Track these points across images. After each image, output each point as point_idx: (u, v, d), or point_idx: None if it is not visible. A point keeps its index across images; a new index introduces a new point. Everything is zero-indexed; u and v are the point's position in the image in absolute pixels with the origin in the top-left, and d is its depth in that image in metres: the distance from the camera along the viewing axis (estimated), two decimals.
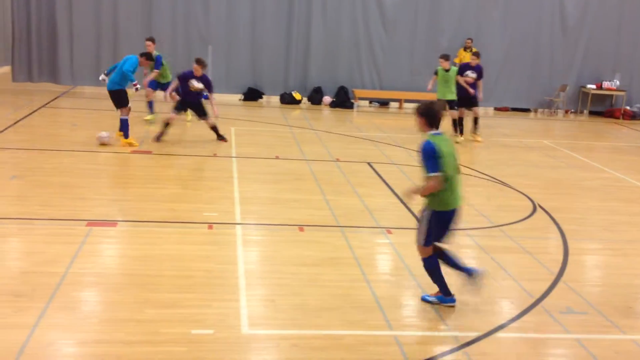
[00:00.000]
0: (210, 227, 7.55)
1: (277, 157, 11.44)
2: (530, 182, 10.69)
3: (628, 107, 19.00)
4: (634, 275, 7.03)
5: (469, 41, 18.05)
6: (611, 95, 19.20)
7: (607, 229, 8.65)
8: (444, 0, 18.31)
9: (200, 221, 7.73)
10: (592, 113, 19.23)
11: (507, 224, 8.38)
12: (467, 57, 18.13)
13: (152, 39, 13.82)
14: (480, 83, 13.87)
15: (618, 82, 18.89)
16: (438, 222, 5.79)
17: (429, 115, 5.84)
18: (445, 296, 5.92)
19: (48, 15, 17.23)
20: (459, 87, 13.71)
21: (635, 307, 6.25)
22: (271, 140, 13.03)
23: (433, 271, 5.89)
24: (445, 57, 13.72)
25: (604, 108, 19.29)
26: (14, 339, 4.85)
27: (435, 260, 5.89)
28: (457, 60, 18.25)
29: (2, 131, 11.79)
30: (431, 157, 5.66)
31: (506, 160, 12.51)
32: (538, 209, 9.15)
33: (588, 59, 18.98)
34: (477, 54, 14.11)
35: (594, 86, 18.92)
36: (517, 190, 10.10)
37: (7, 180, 8.84)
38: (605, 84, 18.86)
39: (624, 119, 18.71)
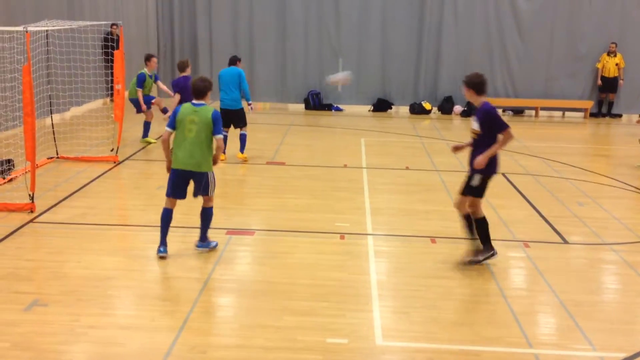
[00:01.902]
0: (342, 237, 7.65)
1: (407, 168, 11.40)
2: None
3: None
4: None
5: (613, 45, 17.14)
6: None
7: None
8: (583, 4, 17.50)
9: (333, 231, 7.85)
10: None
11: None
12: (610, 63, 17.27)
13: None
14: None
15: None
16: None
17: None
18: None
19: (190, 33, 18.32)
20: None
21: None
22: (401, 150, 13.00)
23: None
24: None
25: None
26: (162, 341, 5.15)
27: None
28: (599, 66, 17.41)
29: (151, 146, 12.59)
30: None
31: None
32: None
33: None
34: None
35: None
36: None
37: (154, 190, 9.43)
38: None
39: None
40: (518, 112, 18.42)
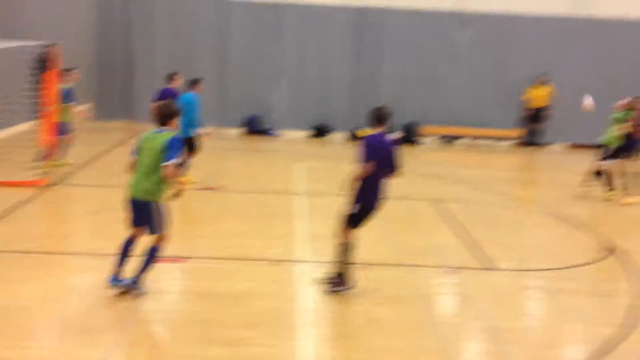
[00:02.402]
0: (276, 264, 7.65)
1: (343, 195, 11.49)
2: (604, 222, 10.39)
3: None
4: None
5: (542, 76, 17.88)
6: None
7: None
8: (516, 35, 18.17)
9: (267, 258, 7.84)
10: None
11: (577, 266, 8.13)
12: (539, 93, 17.92)
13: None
14: None
15: None
16: None
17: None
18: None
19: (126, 52, 18.13)
20: None
21: None
22: (339, 176, 13.10)
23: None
24: None
25: None
26: None
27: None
28: (528, 96, 18.04)
29: (80, 169, 12.33)
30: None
31: (579, 198, 12.16)
32: (612, 250, 8.84)
33: None
34: None
35: None
36: (590, 230, 9.79)
37: (83, 215, 9.22)
38: None
39: None
40: (451, 139, 18.88)
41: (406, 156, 16.14)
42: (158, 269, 7.19)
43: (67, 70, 12.21)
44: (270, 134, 18.28)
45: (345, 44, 18.28)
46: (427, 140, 18.39)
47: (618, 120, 11.70)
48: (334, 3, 18.11)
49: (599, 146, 12.04)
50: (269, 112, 18.36)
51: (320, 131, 18.49)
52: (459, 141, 18.72)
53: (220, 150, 14.48)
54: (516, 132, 18.55)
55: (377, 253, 8.20)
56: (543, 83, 18.02)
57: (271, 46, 18.21)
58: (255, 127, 18.26)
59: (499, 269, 7.93)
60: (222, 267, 7.50)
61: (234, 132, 18.29)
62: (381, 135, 6.73)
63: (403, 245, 8.64)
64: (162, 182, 6.28)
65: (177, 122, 6.50)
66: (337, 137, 18.48)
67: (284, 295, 6.75)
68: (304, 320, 6.19)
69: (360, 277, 7.14)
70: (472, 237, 9.13)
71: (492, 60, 18.33)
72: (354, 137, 18.06)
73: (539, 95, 18.07)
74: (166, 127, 6.39)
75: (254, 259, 7.80)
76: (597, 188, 11.79)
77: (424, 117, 18.46)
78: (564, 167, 15.88)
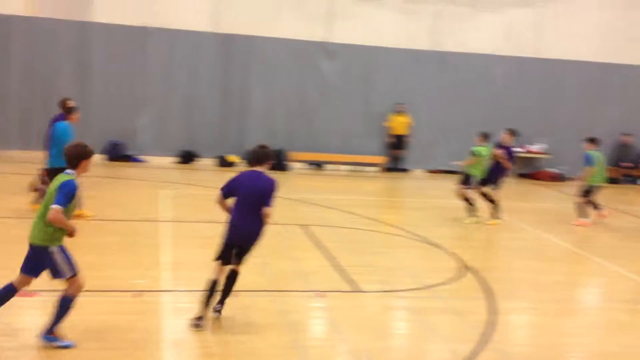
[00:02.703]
0: (138, 295, 7.35)
1: (212, 221, 11.33)
2: (460, 243, 10.91)
3: (552, 169, 19.78)
4: (560, 335, 7.19)
5: (401, 106, 18.67)
6: (537, 158, 19.97)
7: (535, 288, 8.86)
8: (379, 66, 18.90)
9: (128, 289, 7.52)
10: (521, 175, 19.90)
11: (437, 285, 8.47)
12: (399, 121, 18.70)
13: None
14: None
15: (543, 146, 19.70)
16: None
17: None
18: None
19: None
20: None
21: None
22: (206, 203, 12.90)
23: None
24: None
25: (530, 170, 20.03)
26: None
27: None
28: (389, 124, 18.77)
29: None
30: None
31: (438, 221, 12.75)
32: (467, 269, 9.31)
33: (515, 124, 19.73)
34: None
35: (521, 149, 19.65)
36: (447, 251, 10.27)
37: None
38: (531, 147, 19.65)
39: (549, 180, 19.46)
40: (318, 165, 19.24)
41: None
42: (11, 304, 6.71)
43: None
44: (135, 160, 17.74)
45: (213, 70, 18.18)
46: (296, 166, 18.61)
47: (479, 153, 12.41)
48: (201, 29, 17.99)
49: (459, 173, 12.75)
50: (133, 138, 17.82)
51: (187, 157, 18.18)
52: (327, 167, 19.11)
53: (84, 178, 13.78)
54: (381, 159, 19.23)
55: (246, 280, 8.09)
56: (400, 112, 18.84)
57: (136, 70, 17.74)
58: (117, 153, 17.64)
59: (364, 291, 8.09)
60: (80, 299, 7.08)
61: (96, 158, 17.53)
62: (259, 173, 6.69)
63: (272, 271, 8.62)
64: (49, 225, 5.73)
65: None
66: (205, 163, 18.26)
67: (145, 328, 6.48)
68: (163, 354, 5.96)
69: (229, 305, 7.03)
70: (339, 261, 9.27)
71: (358, 89, 18.94)
72: (222, 163, 17.93)
73: (399, 123, 18.87)
74: (72, 170, 5.86)
75: (115, 290, 7.46)
76: (463, 212, 12.45)
77: (292, 143, 18.70)
78: (425, 192, 16.64)
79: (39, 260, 5.84)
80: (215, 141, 18.34)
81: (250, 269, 8.57)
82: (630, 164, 19.92)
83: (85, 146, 5.92)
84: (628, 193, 18.42)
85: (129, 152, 17.83)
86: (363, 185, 17.46)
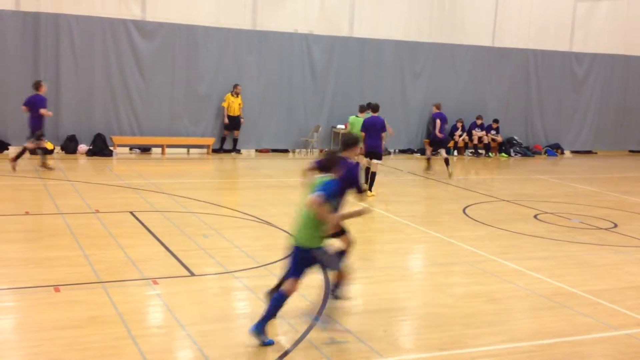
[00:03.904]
0: None
1: (27, 213, 10.55)
2: (292, 220, 11.08)
3: None
4: (387, 300, 7.59)
5: (238, 87, 18.54)
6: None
7: (362, 257, 9.26)
8: (199, 48, 18.56)
9: None
10: None
11: (272, 263, 8.57)
12: (235, 102, 18.57)
13: None
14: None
15: None
16: None
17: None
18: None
19: None
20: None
21: (390, 331, 6.73)
22: (19, 194, 12.01)
23: None
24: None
25: None
26: None
27: None
28: (225, 105, 18.54)
29: None
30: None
31: (270, 200, 12.89)
32: None
33: (336, 101, 20.48)
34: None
35: (342, 126, 20.41)
36: (281, 229, 10.41)
37: None
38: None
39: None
40: (145, 150, 18.59)
41: (98, 168, 15.59)
42: None
43: None
44: None
45: (20, 52, 16.80)
46: (119, 151, 17.83)
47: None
48: (2, 6, 16.52)
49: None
50: None
51: None
52: (153, 151, 18.53)
53: None
54: (209, 140, 18.99)
55: (75, 273, 7.68)
56: (238, 94, 18.70)
57: None
58: None
59: (200, 275, 7.98)
60: None
61: None
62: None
63: (101, 262, 8.20)
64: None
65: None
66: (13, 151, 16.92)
67: None
68: None
69: (59, 299, 6.62)
70: (172, 246, 9.06)
71: (179, 70, 18.47)
72: (34, 151, 16.69)
73: (235, 104, 18.72)
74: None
75: None
76: (294, 190, 12.62)
77: (113, 127, 17.88)
78: (255, 172, 16.74)
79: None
80: (26, 127, 16.98)
81: (76, 261, 8.17)
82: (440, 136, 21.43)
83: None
84: (443, 163, 19.86)
85: None
86: (191, 169, 17.17)
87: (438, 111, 17.61)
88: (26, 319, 6.37)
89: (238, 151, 19.26)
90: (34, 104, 14.34)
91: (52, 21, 16.95)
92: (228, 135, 19.09)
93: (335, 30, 20.26)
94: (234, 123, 18.91)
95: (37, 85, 14.59)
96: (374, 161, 13.67)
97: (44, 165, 14.52)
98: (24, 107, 14.51)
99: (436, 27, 21.53)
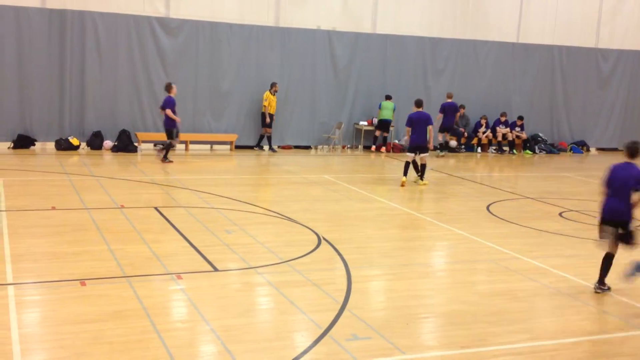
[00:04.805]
0: None
1: (53, 208, 10.70)
2: (314, 216, 11.12)
3: (397, 141, 20.71)
4: (409, 297, 7.57)
5: (276, 85, 18.60)
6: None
7: (386, 255, 9.27)
8: (222, 45, 18.65)
9: None
10: (366, 147, 20.68)
11: (294, 259, 8.60)
12: (274, 101, 18.63)
13: None
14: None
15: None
16: None
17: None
18: None
19: None
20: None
21: (412, 326, 6.72)
22: (46, 190, 12.18)
23: None
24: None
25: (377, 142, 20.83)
26: None
27: None
28: (265, 104, 18.59)
29: None
30: None
31: (292, 196, 12.93)
32: (323, 241, 9.53)
33: (358, 98, 20.45)
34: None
35: (365, 123, 20.39)
36: (303, 225, 10.44)
37: None
38: (375, 120, 20.40)
39: (393, 152, 20.35)
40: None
41: (123, 164, 15.75)
42: None
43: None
44: None
45: (46, 48, 17.01)
46: (144, 147, 18.00)
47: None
48: (28, 4, 16.75)
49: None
50: None
51: (23, 142, 16.95)
52: (179, 147, 18.66)
53: None
54: (231, 137, 19.08)
55: (100, 267, 7.78)
56: (276, 92, 18.73)
57: None
58: None
59: (223, 270, 8.04)
60: None
61: None
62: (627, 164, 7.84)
63: (126, 257, 8.29)
64: None
65: None
66: (43, 147, 17.16)
67: None
68: (12, 349, 5.57)
69: (85, 293, 6.70)
70: (195, 241, 9.13)
71: (203, 67, 18.58)
72: (62, 147, 16.92)
73: (274, 102, 18.77)
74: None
75: None
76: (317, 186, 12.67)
77: (138, 124, 18.05)
78: (278, 168, 16.79)
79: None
80: (53, 124, 17.25)
81: (101, 256, 8.27)
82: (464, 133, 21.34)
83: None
84: (467, 161, 19.74)
85: None
86: (215, 165, 17.26)
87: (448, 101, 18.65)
88: (52, 313, 6.46)
89: (273, 150, 19.26)
90: (165, 104, 15.63)
91: (77, 18, 17.14)
92: (269, 133, 19.07)
93: (358, 26, 20.23)
94: (271, 121, 18.93)
95: (167, 87, 15.80)
96: (422, 155, 14.41)
97: (164, 159, 15.88)
98: (160, 110, 16.08)
99: (459, 23, 21.39)
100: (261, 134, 19.10)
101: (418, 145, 14.34)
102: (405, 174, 14.42)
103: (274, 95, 18.70)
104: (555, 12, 22.26)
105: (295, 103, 19.62)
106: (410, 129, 14.37)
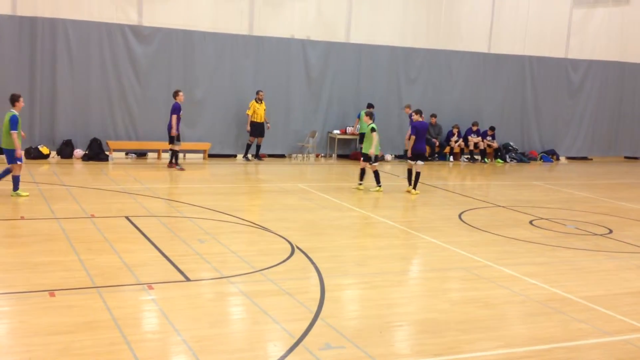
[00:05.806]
0: None
1: (22, 218, 10.52)
2: (288, 225, 11.10)
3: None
4: (383, 306, 7.58)
5: (262, 93, 18.55)
6: (355, 139, 20.86)
7: (359, 263, 9.28)
8: (196, 53, 18.58)
9: None
10: (340, 156, 20.73)
11: (268, 268, 8.57)
12: (260, 109, 18.56)
13: None
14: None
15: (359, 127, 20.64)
16: None
17: None
18: None
19: None
20: None
21: (385, 335, 6.72)
22: (15, 199, 11.97)
23: None
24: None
25: (349, 151, 20.90)
26: None
27: None
28: (249, 112, 18.52)
29: None
30: None
31: (266, 205, 12.89)
32: (296, 250, 9.51)
33: (332, 107, 20.51)
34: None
35: (338, 131, 20.44)
36: (276, 234, 10.41)
37: None
38: (349, 129, 20.48)
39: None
40: (141, 154, 18.58)
41: (94, 173, 15.58)
42: None
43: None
44: None
45: (17, 56, 16.78)
46: (115, 155, 17.82)
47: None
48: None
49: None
50: None
51: None
52: (149, 156, 18.51)
53: None
54: (204, 145, 18.99)
55: (70, 278, 7.66)
56: (261, 99, 18.67)
57: None
58: None
59: (195, 280, 7.97)
60: None
61: None
62: None
63: (95, 267, 8.18)
64: None
65: None
66: None
67: None
68: None
69: (54, 304, 6.58)
70: (167, 251, 9.04)
71: (176, 75, 18.48)
72: (32, 155, 16.67)
73: (260, 110, 18.69)
74: None
75: None
76: (290, 195, 12.62)
77: (110, 132, 17.88)
78: (252, 177, 16.73)
79: None
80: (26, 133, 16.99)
81: (71, 266, 8.15)
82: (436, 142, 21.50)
83: None
84: (439, 169, 19.89)
85: None
86: (187, 173, 17.13)
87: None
88: (20, 324, 6.34)
89: (260, 158, 19.17)
90: (172, 111, 16.36)
91: (48, 26, 16.96)
92: (254, 142, 19.00)
93: (332, 35, 20.32)
94: (259, 129, 18.86)
95: (174, 94, 16.53)
96: (419, 162, 14.68)
97: (172, 165, 16.60)
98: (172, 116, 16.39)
99: (432, 34, 21.61)
100: (247, 142, 19.05)
101: (421, 153, 14.72)
102: (410, 182, 14.89)
103: (259, 103, 18.66)
104: (525, 22, 22.61)
105: (269, 112, 19.58)
106: (415, 137, 14.58)
